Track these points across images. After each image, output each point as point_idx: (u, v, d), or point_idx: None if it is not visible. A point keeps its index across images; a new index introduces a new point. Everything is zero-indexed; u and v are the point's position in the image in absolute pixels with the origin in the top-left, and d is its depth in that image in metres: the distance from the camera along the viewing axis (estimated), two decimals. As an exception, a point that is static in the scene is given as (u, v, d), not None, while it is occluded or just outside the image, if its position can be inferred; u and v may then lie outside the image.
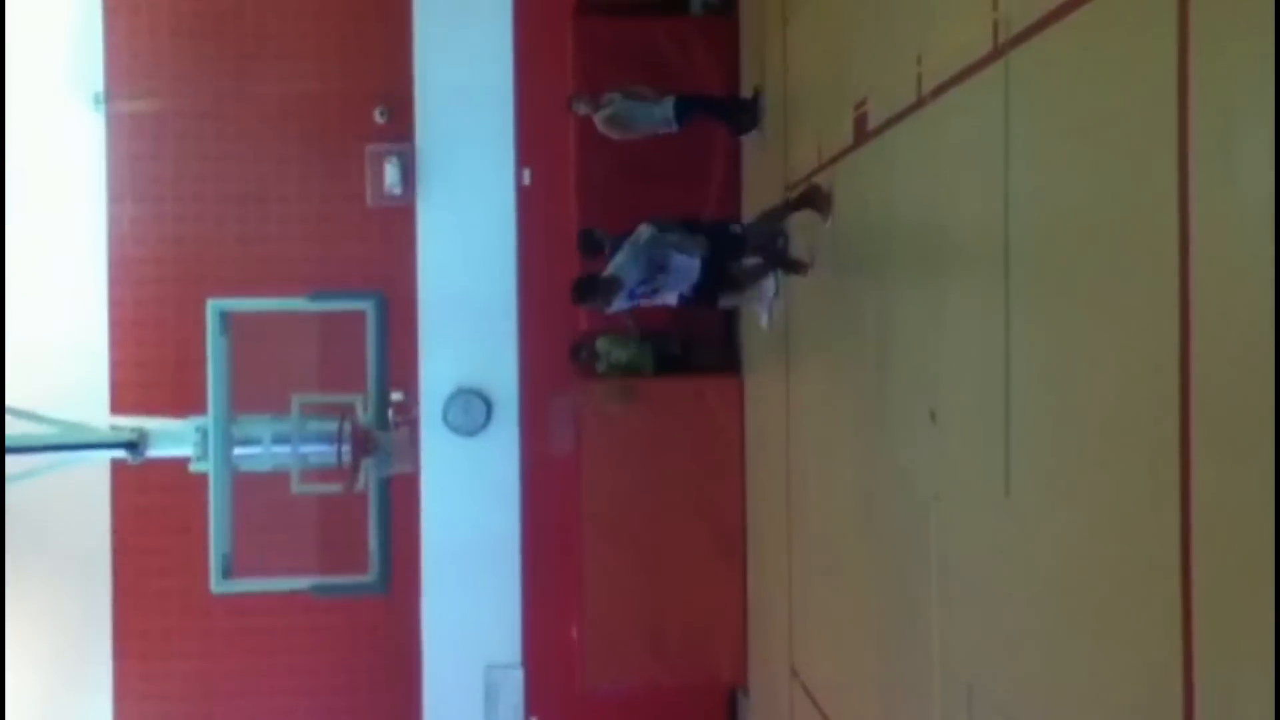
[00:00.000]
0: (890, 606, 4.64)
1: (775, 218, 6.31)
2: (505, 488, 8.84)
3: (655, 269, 5.78)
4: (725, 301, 6.73)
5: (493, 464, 8.83)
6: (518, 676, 8.84)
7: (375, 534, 7.04)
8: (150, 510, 8.76)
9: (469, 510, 8.80)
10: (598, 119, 7.31)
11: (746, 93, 7.82)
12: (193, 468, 7.71)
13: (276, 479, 7.40)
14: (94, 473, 8.58)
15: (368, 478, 7.17)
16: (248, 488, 7.28)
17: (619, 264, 5.78)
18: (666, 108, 7.22)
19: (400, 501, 8.07)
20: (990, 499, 3.52)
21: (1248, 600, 2.16)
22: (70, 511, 8.54)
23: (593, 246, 6.87)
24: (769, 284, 6.89)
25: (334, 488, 7.23)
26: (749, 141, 7.93)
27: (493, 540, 8.79)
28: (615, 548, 8.03)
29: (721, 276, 6.13)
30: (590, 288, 5.87)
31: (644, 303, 6.06)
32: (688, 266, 5.87)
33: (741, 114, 7.65)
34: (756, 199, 7.60)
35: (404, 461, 7.24)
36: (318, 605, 8.29)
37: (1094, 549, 2.84)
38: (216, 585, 6.79)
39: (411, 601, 8.74)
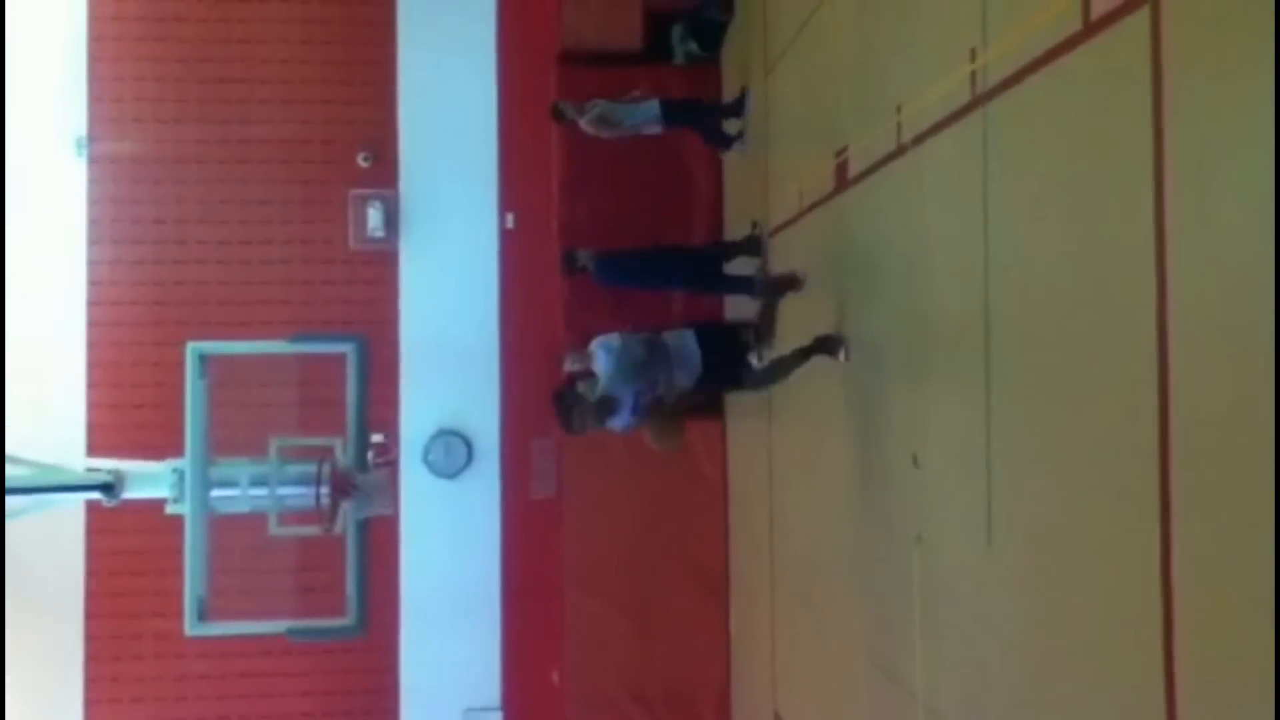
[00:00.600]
0: (873, 650, 4.64)
1: (787, 364, 5.43)
2: (486, 529, 8.80)
3: (651, 367, 4.99)
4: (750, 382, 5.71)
5: (473, 505, 8.81)
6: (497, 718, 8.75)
7: (353, 577, 6.99)
8: (125, 552, 8.65)
9: (449, 552, 8.75)
10: (584, 121, 7.41)
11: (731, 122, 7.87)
12: (169, 509, 7.64)
13: (254, 521, 7.34)
14: (68, 515, 8.49)
15: (346, 520, 7.13)
16: (225, 530, 7.23)
17: (607, 377, 4.94)
18: (652, 106, 7.32)
19: (379, 543, 8.02)
20: (972, 546, 3.53)
21: (1229, 646, 2.19)
22: (44, 553, 8.43)
23: (575, 268, 6.90)
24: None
25: (312, 530, 7.18)
26: (732, 159, 8.01)
27: (472, 582, 8.74)
28: (597, 594, 8.00)
29: (727, 360, 5.37)
30: (582, 412, 4.94)
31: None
32: (686, 350, 5.14)
33: (722, 135, 7.74)
34: (738, 219, 7.64)
35: (382, 503, 7.21)
36: (294, 649, 8.18)
37: (1075, 598, 2.85)
38: (191, 628, 6.71)
39: (389, 644, 8.65)
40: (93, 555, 8.76)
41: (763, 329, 5.66)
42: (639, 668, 7.87)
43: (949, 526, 3.83)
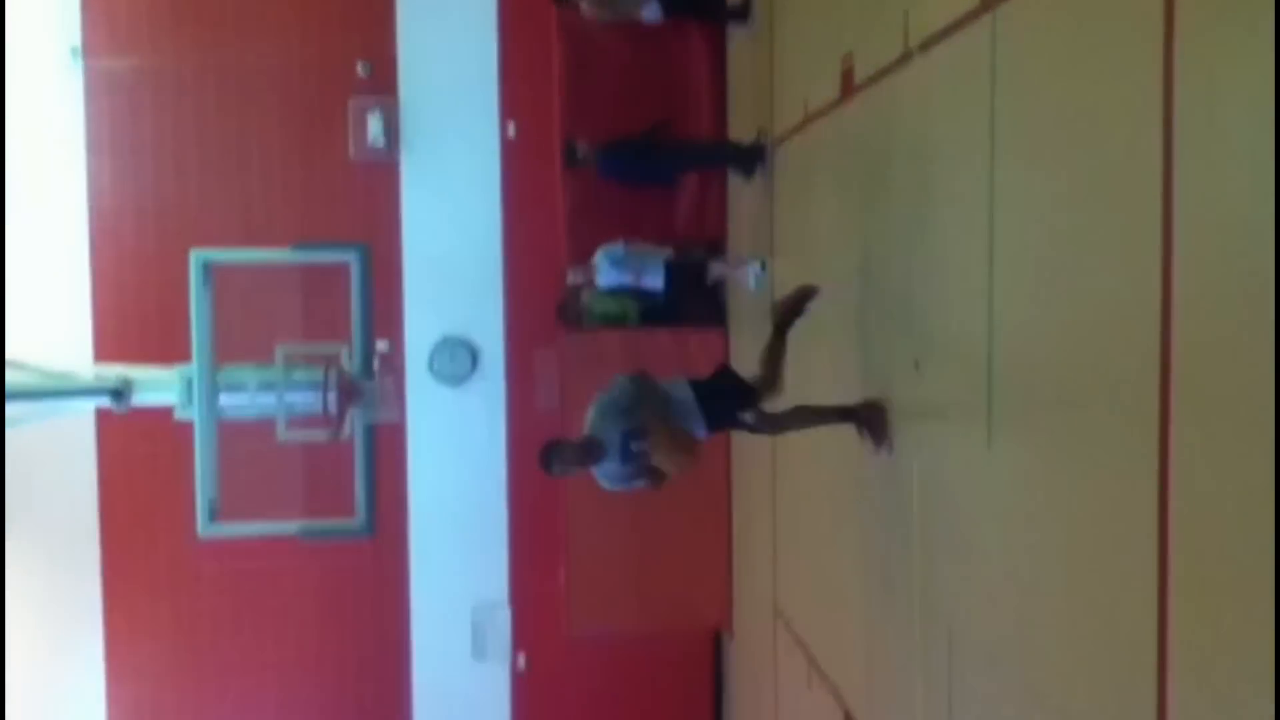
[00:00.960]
0: (873, 551, 4.78)
1: (804, 418, 5.09)
2: (491, 436, 8.94)
3: (640, 411, 4.59)
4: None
5: (478, 413, 8.94)
6: (505, 616, 9.01)
7: (361, 479, 7.11)
8: (136, 459, 8.80)
9: (455, 457, 8.93)
10: (584, 2, 7.49)
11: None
12: (178, 415, 7.73)
13: (262, 429, 7.45)
14: (79, 424, 8.62)
15: (353, 425, 7.24)
16: (233, 437, 7.33)
17: (593, 422, 4.62)
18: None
19: (387, 449, 8.16)
20: (973, 449, 3.62)
21: (1222, 549, 2.27)
22: (57, 462, 8.57)
23: (575, 160, 6.94)
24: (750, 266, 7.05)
25: (320, 435, 7.29)
26: (735, 45, 7.97)
27: (479, 487, 8.93)
28: (600, 498, 8.14)
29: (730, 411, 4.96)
30: (561, 454, 4.61)
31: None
32: (684, 402, 4.76)
33: (725, 12, 7.74)
34: (743, 124, 7.61)
35: (389, 410, 7.31)
36: (305, 551, 8.39)
37: (1072, 502, 2.94)
38: (203, 529, 6.85)
39: (399, 545, 8.88)
40: (104, 463, 8.92)
41: (769, 377, 5.00)
42: (641, 567, 8.08)
43: (949, 429, 3.92)
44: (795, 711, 5.92)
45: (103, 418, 8.72)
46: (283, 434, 7.46)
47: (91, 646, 8.88)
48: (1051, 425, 3.11)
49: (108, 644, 8.94)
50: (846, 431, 4.88)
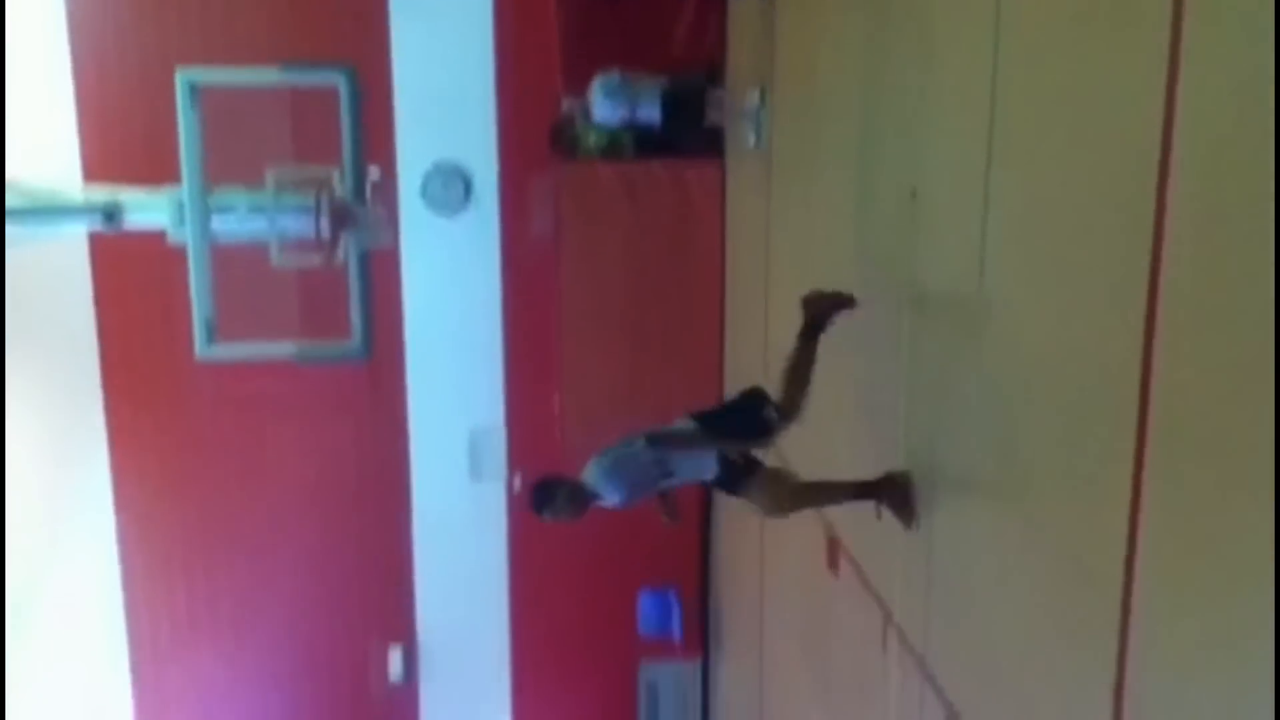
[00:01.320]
0: (860, 379, 4.84)
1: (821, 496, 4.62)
2: (486, 262, 8.93)
3: (649, 482, 4.34)
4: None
5: (472, 240, 8.90)
6: (501, 437, 9.23)
7: (356, 302, 7.16)
8: (131, 284, 8.82)
9: (450, 283, 8.94)
10: None
11: None
12: (170, 238, 7.70)
13: (257, 254, 7.44)
14: (72, 250, 8.58)
15: (347, 251, 7.24)
16: (228, 263, 7.33)
17: (594, 475, 4.35)
18: None
19: (381, 276, 8.17)
20: (965, 284, 3.62)
21: (1210, 332, 2.29)
22: (52, 290, 8.56)
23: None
24: None
25: (314, 260, 7.29)
26: None
27: (474, 314, 8.98)
28: (594, 323, 8.24)
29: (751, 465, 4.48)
30: (552, 497, 4.34)
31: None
32: (698, 465, 4.43)
33: None
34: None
35: (382, 235, 7.29)
36: (304, 374, 8.52)
37: (1061, 343, 2.95)
38: (201, 349, 6.93)
39: (396, 370, 9.00)
40: (100, 290, 8.91)
41: (793, 398, 4.43)
42: (634, 392, 8.21)
43: (943, 263, 3.92)
44: (779, 525, 6.13)
45: (96, 244, 8.69)
46: (276, 258, 7.46)
47: (97, 462, 9.10)
48: (1042, 260, 3.10)
49: (113, 461, 9.16)
50: (836, 267, 4.84)
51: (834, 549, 4.86)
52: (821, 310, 4.47)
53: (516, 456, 9.22)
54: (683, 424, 4.42)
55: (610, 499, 4.28)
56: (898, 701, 4.08)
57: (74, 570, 8.95)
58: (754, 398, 4.49)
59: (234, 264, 7.48)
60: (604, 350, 8.22)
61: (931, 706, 3.69)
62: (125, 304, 8.93)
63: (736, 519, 8.20)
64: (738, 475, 4.36)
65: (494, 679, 9.59)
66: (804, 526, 5.42)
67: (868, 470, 4.32)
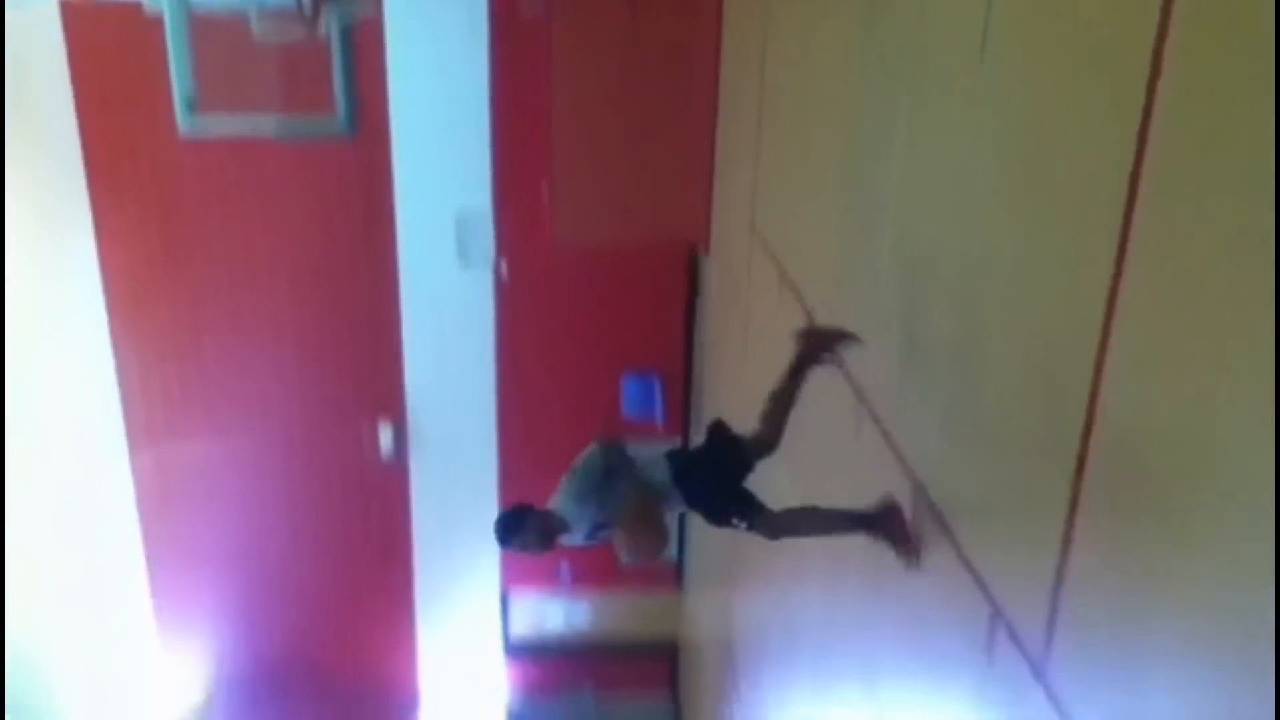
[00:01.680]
0: (848, 173, 4.82)
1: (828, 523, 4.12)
2: (473, 39, 8.59)
3: (608, 491, 3.99)
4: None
5: (460, 15, 8.53)
6: (488, 222, 9.17)
7: (339, 77, 6.98)
8: (108, 59, 8.51)
9: (437, 61, 8.64)
10: None
11: None
12: (146, 9, 7.44)
13: (236, 28, 7.17)
14: (45, 26, 8.24)
15: (329, 23, 7.00)
16: (208, 36, 7.08)
17: (563, 500, 4.03)
18: None
19: (366, 51, 7.93)
20: (965, 62, 3.54)
21: (1196, 168, 2.28)
22: (27, 69, 8.26)
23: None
24: None
25: (296, 31, 7.05)
26: None
27: (462, 94, 8.74)
28: (586, 114, 8.05)
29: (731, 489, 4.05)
30: (521, 529, 3.99)
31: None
32: (658, 480, 4.07)
33: None
34: None
35: (367, 5, 7.02)
36: (289, 154, 8.38)
37: (1064, 107, 2.91)
38: (182, 121, 6.79)
39: (381, 148, 8.84)
40: (76, 68, 8.59)
41: (770, 431, 4.11)
42: (625, 183, 8.13)
43: (944, 38, 3.83)
44: (763, 314, 6.25)
45: (69, 16, 8.34)
46: (257, 28, 7.21)
47: (84, 248, 9.06)
48: (1044, 35, 3.04)
49: (100, 248, 9.11)
50: (834, 52, 4.69)
51: (811, 321, 4.98)
52: (817, 345, 4.19)
53: (503, 243, 9.24)
54: (654, 463, 4.08)
55: (577, 530, 3.99)
56: (866, 475, 4.27)
57: (68, 359, 9.08)
58: (723, 435, 4.20)
59: (214, 39, 7.23)
60: (596, 131, 8.05)
61: (897, 478, 3.88)
62: (103, 82, 8.64)
63: (720, 307, 8.33)
64: (718, 477, 4.07)
65: (481, 458, 9.90)
66: (784, 310, 5.53)
67: None
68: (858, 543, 3.98)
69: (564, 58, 7.95)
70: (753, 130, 6.81)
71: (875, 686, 4.13)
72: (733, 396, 7.51)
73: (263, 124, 7.35)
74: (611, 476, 3.99)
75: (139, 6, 7.88)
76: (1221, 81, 2.05)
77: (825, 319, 4.95)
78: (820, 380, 4.20)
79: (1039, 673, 2.64)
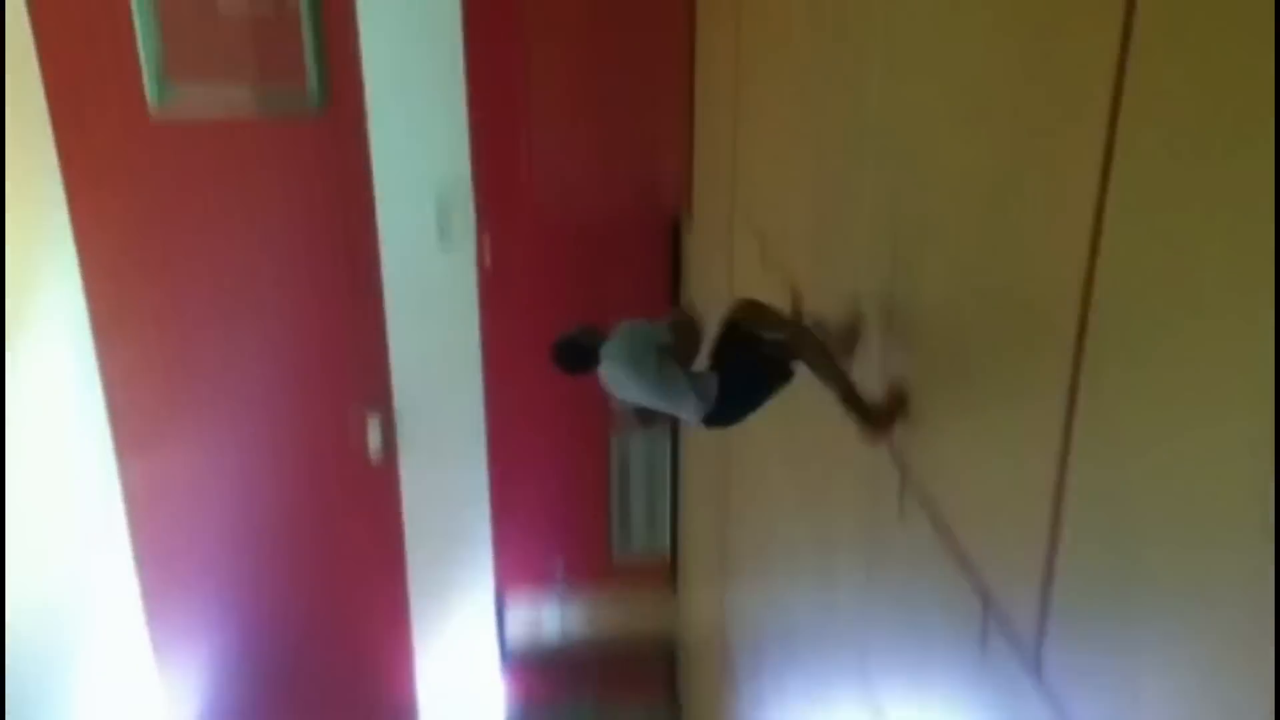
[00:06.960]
0: (836, 156, 4.62)
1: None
2: (448, 7, 8.32)
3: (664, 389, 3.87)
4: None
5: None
6: (468, 199, 8.93)
7: (309, 46, 6.74)
8: (74, 32, 8.24)
9: (410, 31, 8.35)
10: None
11: None
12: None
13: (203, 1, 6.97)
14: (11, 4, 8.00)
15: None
16: (174, 8, 6.88)
17: (613, 368, 3.95)
18: None
19: (338, 25, 7.69)
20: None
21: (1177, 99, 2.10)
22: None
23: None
24: None
25: (264, 5, 6.84)
26: None
27: (437, 64, 8.46)
28: (563, 84, 7.88)
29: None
30: (579, 354, 4.01)
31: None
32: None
33: None
34: None
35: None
36: (262, 129, 8.15)
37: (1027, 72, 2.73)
38: (153, 99, 6.56)
39: (357, 124, 8.54)
40: (41, 40, 8.33)
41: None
42: (605, 152, 7.99)
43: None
44: (747, 288, 6.07)
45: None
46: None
47: (60, 231, 8.81)
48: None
49: (77, 234, 8.83)
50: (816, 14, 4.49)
51: (797, 300, 4.81)
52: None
53: (485, 220, 9.00)
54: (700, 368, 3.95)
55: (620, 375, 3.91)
56: (851, 460, 4.10)
57: (47, 351, 8.83)
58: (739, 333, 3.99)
59: (180, 9, 7.02)
60: (574, 101, 7.90)
61: (885, 464, 3.70)
62: (69, 54, 8.35)
63: (704, 278, 8.16)
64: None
65: (470, 451, 9.73)
66: (769, 277, 5.37)
67: None
68: (850, 536, 3.81)
69: (539, 27, 7.78)
70: (729, 96, 6.64)
71: (870, 681, 3.98)
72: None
73: (234, 97, 7.11)
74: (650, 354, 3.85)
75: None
76: None
77: (806, 291, 4.78)
78: (803, 367, 4.02)
79: (1031, 666, 2.47)
